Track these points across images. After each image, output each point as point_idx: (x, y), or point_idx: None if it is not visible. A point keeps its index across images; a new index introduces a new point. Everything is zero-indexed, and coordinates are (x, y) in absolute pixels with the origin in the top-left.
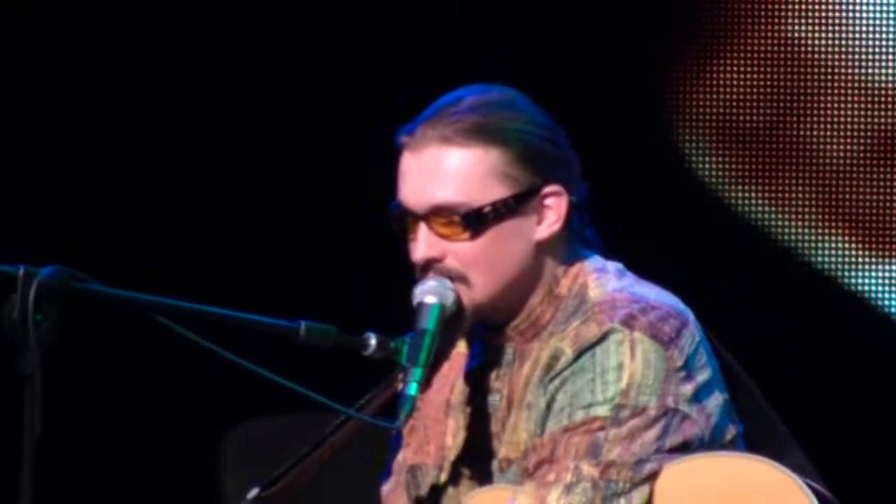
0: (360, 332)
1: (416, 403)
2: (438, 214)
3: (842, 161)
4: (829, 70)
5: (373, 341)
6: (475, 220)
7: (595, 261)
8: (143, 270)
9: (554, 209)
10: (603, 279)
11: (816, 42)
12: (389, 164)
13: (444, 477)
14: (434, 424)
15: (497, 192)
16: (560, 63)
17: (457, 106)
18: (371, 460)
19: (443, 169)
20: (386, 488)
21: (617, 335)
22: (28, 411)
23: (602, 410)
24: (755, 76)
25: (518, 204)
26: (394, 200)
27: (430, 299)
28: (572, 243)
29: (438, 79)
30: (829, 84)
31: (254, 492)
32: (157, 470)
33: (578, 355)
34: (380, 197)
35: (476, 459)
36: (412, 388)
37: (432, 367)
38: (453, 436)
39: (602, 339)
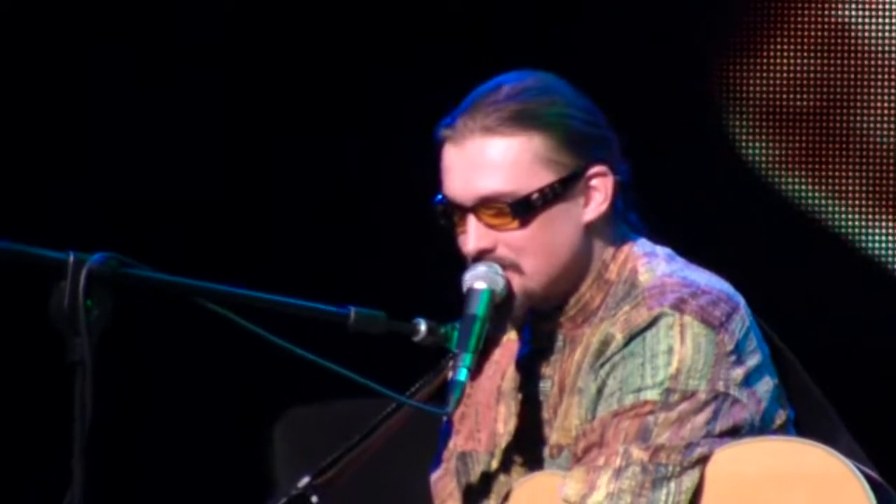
0: (409, 318)
1: (466, 389)
2: (486, 205)
3: (892, 147)
4: (880, 55)
5: (423, 327)
6: (524, 209)
7: (643, 244)
8: (190, 259)
9: (600, 190)
10: (653, 263)
11: (866, 27)
12: (429, 157)
13: (495, 464)
14: (485, 411)
15: (543, 178)
16: (610, 48)
17: (496, 94)
18: (422, 449)
19: (488, 159)
20: (435, 476)
21: (667, 319)
22: (79, 398)
23: (652, 394)
24: (805, 61)
25: (565, 188)
26: (438, 194)
27: (480, 285)
28: (618, 225)
29: (483, 65)
30: (880, 69)
31: (305, 480)
32: (206, 457)
33: (629, 340)
34: (425, 186)
35: (527, 446)
36: (462, 374)
37: (482, 354)
38: (504, 423)
39: (652, 323)
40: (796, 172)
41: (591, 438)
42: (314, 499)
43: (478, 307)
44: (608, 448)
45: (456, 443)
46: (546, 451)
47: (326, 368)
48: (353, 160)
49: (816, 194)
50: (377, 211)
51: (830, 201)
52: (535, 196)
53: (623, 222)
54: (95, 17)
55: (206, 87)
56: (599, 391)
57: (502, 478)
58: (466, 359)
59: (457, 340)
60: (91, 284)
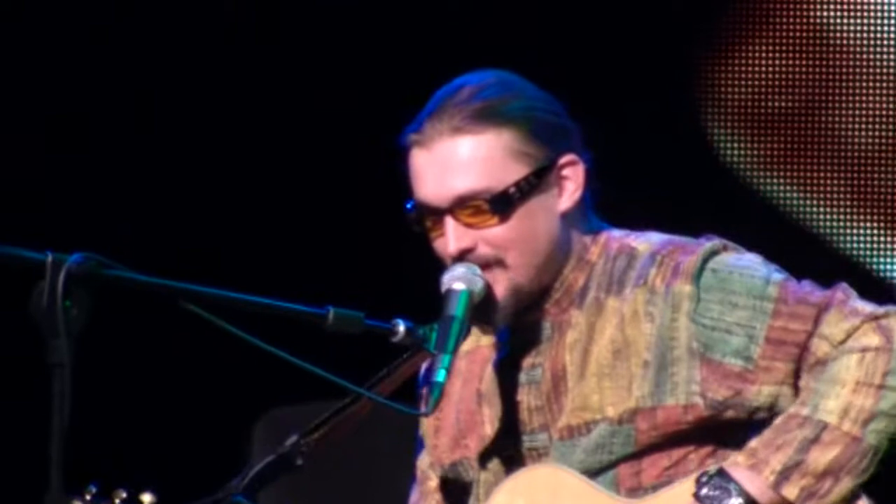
0: (388, 318)
1: (444, 390)
2: (463, 205)
3: (870, 147)
4: (858, 56)
5: (401, 328)
6: (502, 203)
7: (617, 230)
8: (170, 258)
9: (572, 178)
10: (642, 237)
11: (845, 28)
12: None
13: (488, 464)
14: (469, 418)
15: (517, 171)
16: (589, 48)
17: (458, 95)
18: (403, 422)
19: (459, 159)
20: (413, 497)
21: (715, 246)
22: (57, 399)
23: (775, 278)
24: (784, 62)
25: (539, 179)
26: (410, 201)
27: (459, 286)
28: (590, 212)
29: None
30: (858, 70)
31: (293, 439)
32: (186, 459)
33: (698, 276)
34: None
35: (508, 441)
36: (441, 376)
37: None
38: (492, 423)
39: (707, 258)
40: (775, 173)
41: (789, 350)
42: (298, 461)
43: (456, 308)
44: (808, 328)
45: (440, 457)
46: (544, 438)
47: (305, 369)
48: (332, 161)
49: (795, 194)
50: (356, 211)
51: (809, 201)
52: (512, 190)
53: (592, 209)
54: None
55: (189, 85)
56: (707, 345)
57: (482, 476)
58: (445, 360)
59: (435, 342)
60: (70, 285)
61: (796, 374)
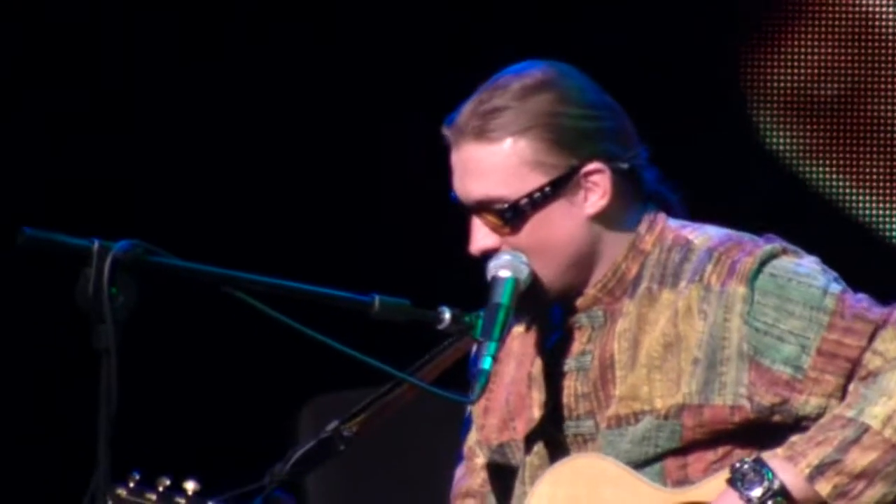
0: (433, 306)
1: (490, 378)
2: (481, 208)
3: None
4: None
5: (447, 315)
6: (512, 214)
7: (673, 220)
8: (216, 246)
9: (599, 185)
10: (699, 230)
11: (891, 15)
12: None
13: (534, 448)
14: (518, 400)
15: (532, 181)
16: (635, 38)
17: (491, 95)
18: (447, 411)
19: (477, 165)
20: (458, 473)
21: (774, 249)
22: (104, 385)
23: (835, 288)
24: (830, 50)
25: (556, 189)
26: (452, 191)
27: (505, 273)
28: (633, 206)
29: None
30: None
31: (333, 424)
32: (232, 445)
33: (754, 278)
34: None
35: (554, 426)
36: (486, 363)
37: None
38: (539, 407)
39: (765, 261)
40: (821, 161)
41: (848, 352)
42: (341, 447)
43: (502, 295)
44: (862, 344)
45: (488, 437)
46: (591, 425)
47: (349, 356)
48: (379, 149)
49: (841, 183)
50: (402, 199)
51: (855, 190)
52: (523, 202)
53: (640, 200)
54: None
55: (232, 74)
56: (757, 350)
57: (528, 459)
58: (491, 347)
59: (481, 329)
60: (116, 272)
61: (845, 389)
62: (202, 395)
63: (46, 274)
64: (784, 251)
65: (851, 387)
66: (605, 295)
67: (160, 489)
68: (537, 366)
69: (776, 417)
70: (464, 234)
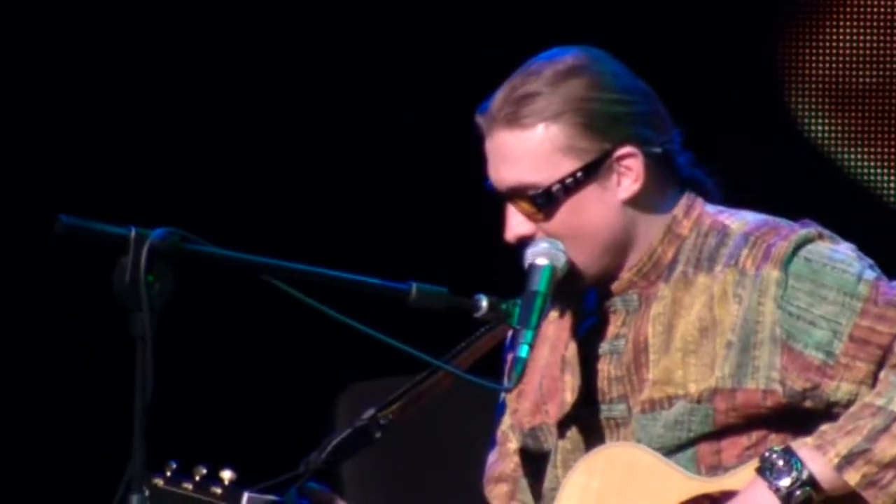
0: (470, 293)
1: (526, 365)
2: (515, 195)
3: None
4: None
5: (484, 303)
6: (545, 200)
7: (710, 206)
8: (253, 233)
9: (632, 169)
10: (736, 215)
11: None
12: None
13: (567, 432)
14: (551, 383)
15: (564, 167)
16: (673, 26)
17: (523, 82)
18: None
19: (508, 152)
20: (491, 458)
21: (810, 234)
22: (140, 372)
23: (869, 275)
24: (867, 37)
25: (588, 174)
26: (486, 178)
27: (542, 261)
28: (667, 190)
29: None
30: None
31: (369, 412)
32: (270, 431)
33: (788, 263)
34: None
35: (591, 409)
36: (523, 351)
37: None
38: (572, 391)
39: (799, 245)
40: (858, 148)
41: (870, 350)
42: (377, 434)
43: (539, 283)
44: (893, 331)
45: (520, 420)
46: (623, 410)
47: (386, 344)
48: (412, 138)
49: (878, 170)
50: (437, 188)
51: (892, 176)
52: (556, 188)
53: (675, 185)
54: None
55: (268, 59)
56: (790, 334)
57: (560, 443)
58: (528, 335)
59: (518, 316)
60: (153, 259)
61: (876, 376)
62: (238, 383)
63: (78, 262)
64: (820, 236)
65: (882, 375)
66: (640, 279)
67: (196, 478)
68: (571, 350)
69: (808, 403)
70: (498, 223)
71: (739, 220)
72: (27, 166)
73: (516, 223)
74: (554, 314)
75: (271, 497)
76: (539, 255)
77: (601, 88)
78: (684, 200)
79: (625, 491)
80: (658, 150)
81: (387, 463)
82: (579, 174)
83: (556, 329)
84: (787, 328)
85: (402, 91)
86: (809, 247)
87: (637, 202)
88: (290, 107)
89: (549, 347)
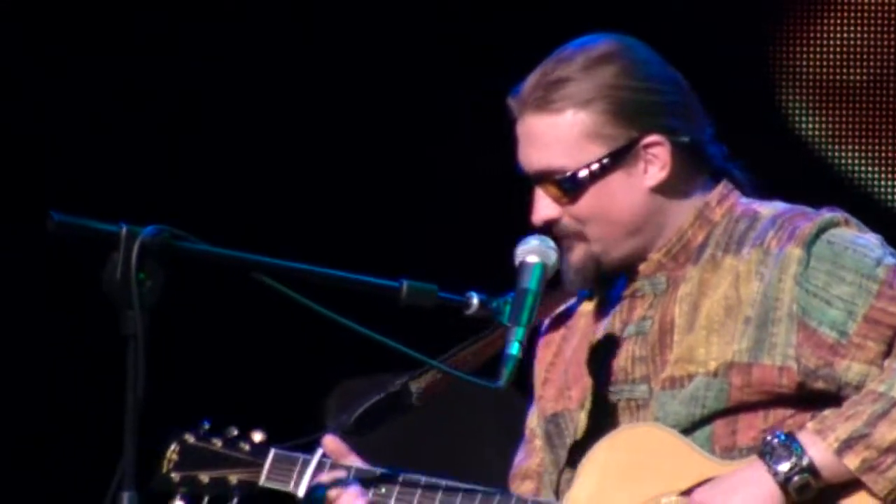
0: (461, 291)
1: (518, 363)
2: (543, 179)
3: None
4: None
5: (474, 301)
6: (572, 185)
7: (745, 198)
8: (243, 231)
9: (659, 157)
10: (768, 204)
11: None
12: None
13: (583, 415)
14: (576, 370)
15: (591, 153)
16: (667, 23)
17: (555, 67)
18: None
19: (538, 136)
20: (518, 457)
21: (835, 218)
22: (131, 370)
23: (889, 261)
24: (858, 35)
25: (615, 160)
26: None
27: (533, 259)
28: (697, 179)
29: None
30: None
31: (403, 378)
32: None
33: (812, 242)
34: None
35: (613, 389)
36: (514, 349)
37: (562, 324)
38: (596, 375)
39: (823, 228)
40: (849, 146)
41: (881, 331)
42: (412, 401)
43: (530, 281)
44: None
45: (544, 408)
46: (644, 390)
47: (377, 341)
48: (403, 135)
49: (869, 167)
50: (428, 186)
51: (883, 174)
52: (582, 173)
53: (710, 175)
54: None
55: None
56: (806, 310)
57: (580, 428)
58: (519, 332)
59: (509, 314)
60: (143, 257)
61: (886, 357)
62: (228, 380)
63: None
64: (846, 222)
65: (886, 363)
66: (669, 260)
67: (227, 436)
68: (598, 335)
69: (820, 384)
70: (493, 221)
71: (770, 207)
72: (23, 164)
73: (543, 206)
74: (588, 307)
75: (297, 454)
76: (530, 254)
77: (631, 77)
78: (720, 188)
79: (643, 469)
80: (686, 139)
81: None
82: (606, 160)
83: (586, 321)
84: (803, 305)
85: (393, 88)
86: (833, 230)
87: (664, 189)
88: (280, 105)
89: (578, 339)
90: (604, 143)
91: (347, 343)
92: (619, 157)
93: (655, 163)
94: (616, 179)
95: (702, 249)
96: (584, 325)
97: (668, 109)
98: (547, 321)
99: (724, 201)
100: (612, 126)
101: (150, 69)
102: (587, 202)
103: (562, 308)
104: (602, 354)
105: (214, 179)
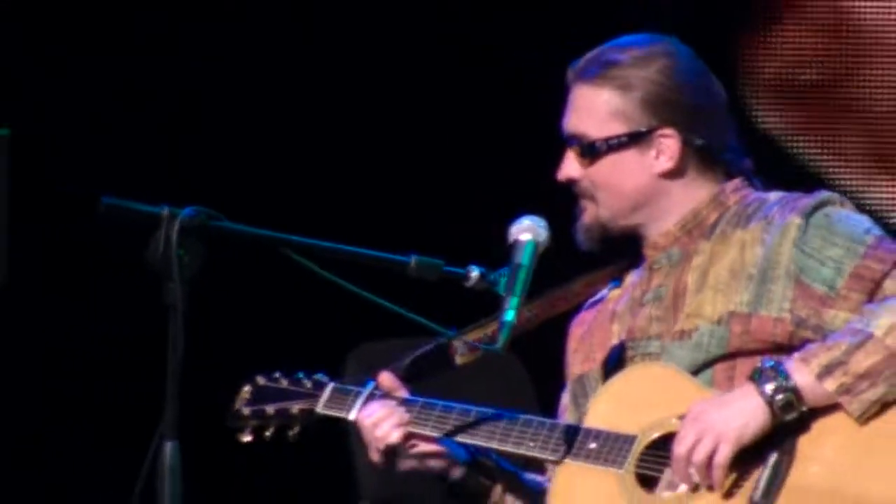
0: (464, 265)
1: (513, 329)
2: (571, 141)
3: (889, 115)
4: (878, 34)
5: (474, 273)
6: (588, 151)
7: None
8: (273, 212)
9: (668, 149)
10: (777, 193)
11: (866, 11)
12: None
13: (606, 373)
14: (602, 335)
15: (613, 129)
16: (631, 26)
17: (612, 50)
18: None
19: (577, 103)
20: (564, 400)
21: (833, 197)
22: (171, 340)
23: (877, 231)
24: (812, 40)
25: (631, 141)
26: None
27: (525, 237)
28: (707, 177)
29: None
30: (878, 47)
31: (452, 332)
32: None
33: (812, 213)
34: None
35: (631, 346)
36: (509, 315)
37: (598, 302)
38: (618, 336)
39: (822, 203)
40: (806, 139)
41: (864, 284)
42: (457, 360)
43: (523, 257)
44: (885, 269)
45: (571, 370)
46: (656, 345)
47: (390, 310)
48: (403, 135)
49: (823, 157)
50: (436, 169)
51: (835, 163)
52: (599, 143)
53: (723, 176)
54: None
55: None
56: (803, 269)
57: (601, 386)
58: (513, 301)
59: (504, 285)
60: (183, 235)
61: None
62: (256, 345)
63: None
64: (842, 203)
65: (865, 307)
66: (683, 234)
67: (293, 377)
68: (621, 304)
69: (809, 333)
70: (494, 203)
71: (777, 193)
72: (23, 163)
73: (567, 165)
74: (616, 293)
75: (352, 387)
76: (523, 232)
77: (669, 76)
78: (736, 182)
79: (652, 398)
80: (700, 142)
81: None
82: (623, 138)
83: (614, 303)
84: (799, 264)
85: (393, 82)
86: (830, 207)
87: (670, 178)
88: (280, 105)
89: (605, 313)
90: (625, 124)
91: (362, 311)
92: (635, 139)
93: (666, 153)
94: (629, 157)
95: (714, 227)
96: (612, 304)
97: (690, 111)
98: (583, 307)
99: (738, 192)
100: (638, 112)
101: (150, 69)
102: (601, 170)
103: (596, 297)
104: (625, 320)
105: (214, 179)
